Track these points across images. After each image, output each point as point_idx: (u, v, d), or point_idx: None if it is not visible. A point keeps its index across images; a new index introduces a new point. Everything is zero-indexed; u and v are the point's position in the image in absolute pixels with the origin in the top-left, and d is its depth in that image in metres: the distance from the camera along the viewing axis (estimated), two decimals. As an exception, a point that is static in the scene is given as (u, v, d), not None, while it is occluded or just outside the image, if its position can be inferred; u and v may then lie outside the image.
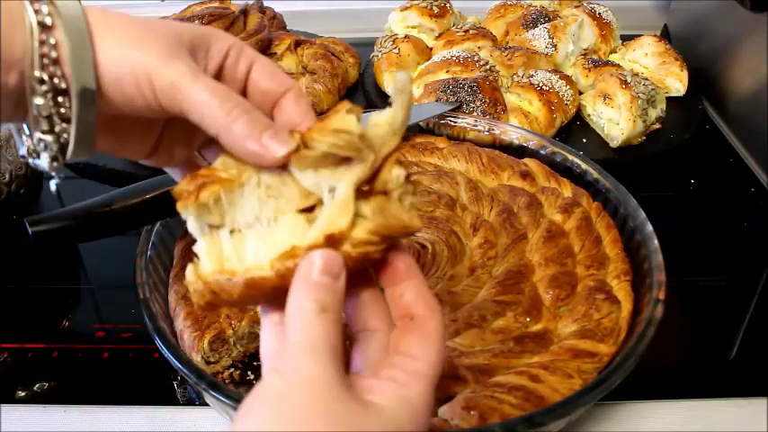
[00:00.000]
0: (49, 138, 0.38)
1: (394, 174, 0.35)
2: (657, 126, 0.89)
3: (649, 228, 0.59)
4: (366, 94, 0.97)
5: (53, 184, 0.42)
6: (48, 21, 0.36)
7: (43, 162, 0.39)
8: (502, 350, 0.51)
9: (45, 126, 0.38)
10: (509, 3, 1.07)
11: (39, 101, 0.36)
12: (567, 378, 0.48)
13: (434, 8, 1.04)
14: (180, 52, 0.38)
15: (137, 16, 0.40)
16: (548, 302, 0.56)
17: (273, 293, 0.35)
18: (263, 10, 1.04)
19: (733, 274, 0.70)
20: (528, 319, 0.54)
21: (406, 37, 1.00)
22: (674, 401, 0.56)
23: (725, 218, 0.78)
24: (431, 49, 1.02)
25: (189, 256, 0.60)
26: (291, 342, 0.32)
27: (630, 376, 0.47)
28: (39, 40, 0.36)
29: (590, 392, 0.46)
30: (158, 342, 0.50)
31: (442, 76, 0.89)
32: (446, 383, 0.48)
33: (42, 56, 0.36)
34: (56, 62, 0.36)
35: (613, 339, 0.52)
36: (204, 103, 0.37)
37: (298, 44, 0.99)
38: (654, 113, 0.88)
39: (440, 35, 1.03)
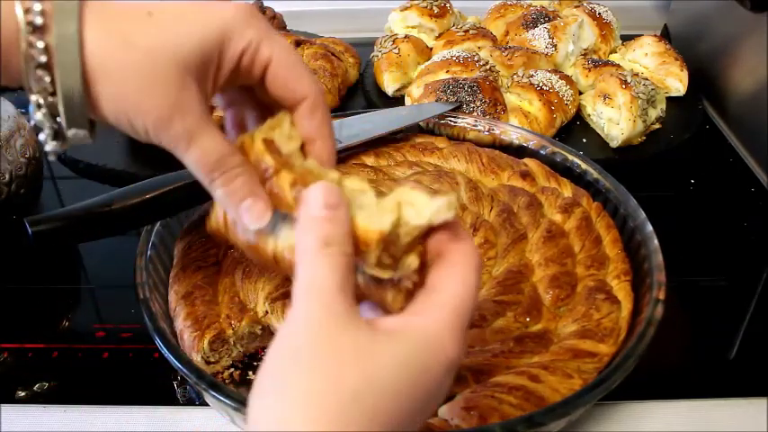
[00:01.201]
0: (40, 116, 0.36)
1: (408, 261, 0.35)
2: (657, 126, 0.89)
3: (649, 228, 0.59)
4: (366, 94, 0.97)
5: (51, 157, 0.40)
6: (38, 20, 0.34)
7: (47, 146, 0.38)
8: (502, 350, 0.51)
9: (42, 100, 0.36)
10: (509, 3, 1.07)
11: (39, 116, 0.36)
12: (567, 378, 0.48)
13: (434, 8, 1.04)
14: (181, 98, 0.36)
15: (147, 23, 0.36)
16: (548, 302, 0.56)
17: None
18: (263, 10, 1.05)
19: (733, 274, 0.70)
20: (528, 319, 0.54)
21: (406, 37, 1.00)
22: (674, 401, 0.56)
23: (725, 218, 0.78)
24: (431, 49, 1.02)
25: (189, 255, 0.60)
26: (297, 284, 0.32)
27: (630, 376, 0.47)
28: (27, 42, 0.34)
29: (590, 392, 0.46)
30: (158, 342, 0.50)
31: (442, 76, 0.89)
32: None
33: (37, 66, 0.34)
34: (47, 66, 0.35)
35: (613, 339, 0.52)
36: (194, 165, 0.38)
37: (298, 44, 0.99)
38: (654, 113, 0.88)
39: (440, 35, 1.03)
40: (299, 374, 0.29)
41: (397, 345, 0.30)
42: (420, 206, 0.34)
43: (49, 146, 0.38)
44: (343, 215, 0.33)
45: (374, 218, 0.34)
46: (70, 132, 0.37)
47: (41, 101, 0.35)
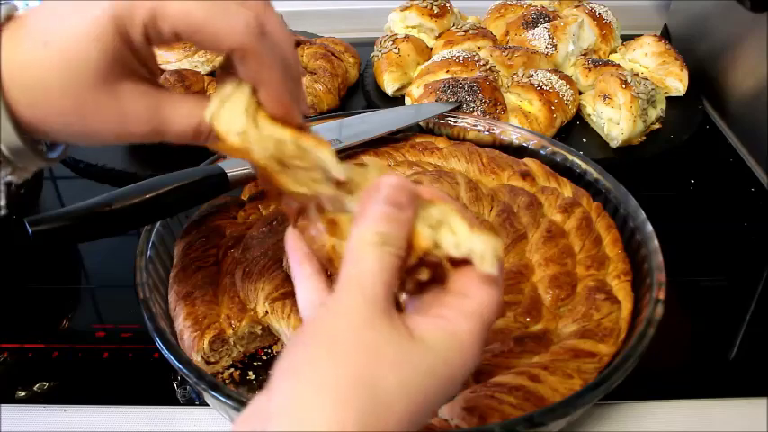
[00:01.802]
0: None
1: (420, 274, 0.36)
2: (657, 126, 0.89)
3: (649, 228, 0.59)
4: (366, 94, 0.97)
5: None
6: None
7: None
8: (502, 350, 0.51)
9: None
10: (509, 3, 1.07)
11: None
12: (567, 378, 0.48)
13: (434, 8, 1.04)
14: (115, 104, 0.36)
15: (50, 48, 0.34)
16: (548, 302, 0.56)
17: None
18: (263, 10, 1.04)
19: (733, 274, 0.70)
20: (528, 319, 0.54)
21: (406, 37, 1.00)
22: (674, 401, 0.56)
23: (725, 218, 0.78)
24: (431, 49, 1.02)
25: (189, 255, 0.60)
26: (343, 275, 0.31)
27: (630, 376, 0.47)
28: None
29: (590, 392, 0.46)
30: (158, 342, 0.50)
31: (442, 76, 0.89)
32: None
33: None
34: None
35: (613, 339, 0.52)
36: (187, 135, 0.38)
37: (298, 44, 0.99)
38: (654, 113, 0.88)
39: (440, 35, 1.03)
40: (335, 366, 0.29)
41: (431, 353, 0.31)
42: (460, 238, 0.34)
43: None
44: (409, 218, 0.33)
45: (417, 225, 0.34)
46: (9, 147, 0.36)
47: None
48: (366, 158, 0.38)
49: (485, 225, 0.62)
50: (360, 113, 0.79)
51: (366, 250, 0.32)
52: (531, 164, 0.72)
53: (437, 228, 0.34)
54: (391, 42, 0.98)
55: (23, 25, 0.35)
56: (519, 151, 0.75)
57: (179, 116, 0.38)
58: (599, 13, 1.02)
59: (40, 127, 0.36)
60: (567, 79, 0.91)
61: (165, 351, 0.49)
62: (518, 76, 0.89)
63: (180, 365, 0.48)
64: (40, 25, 0.35)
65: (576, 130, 0.90)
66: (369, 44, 1.04)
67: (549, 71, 0.90)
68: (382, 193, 0.33)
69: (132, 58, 0.36)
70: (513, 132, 0.76)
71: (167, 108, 0.38)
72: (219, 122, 0.37)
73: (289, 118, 0.38)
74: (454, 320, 0.32)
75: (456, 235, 0.34)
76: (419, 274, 0.35)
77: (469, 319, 0.33)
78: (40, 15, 0.35)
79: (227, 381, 0.56)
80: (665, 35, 1.11)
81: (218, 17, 0.34)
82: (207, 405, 0.55)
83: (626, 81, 0.85)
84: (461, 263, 0.34)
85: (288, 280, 0.57)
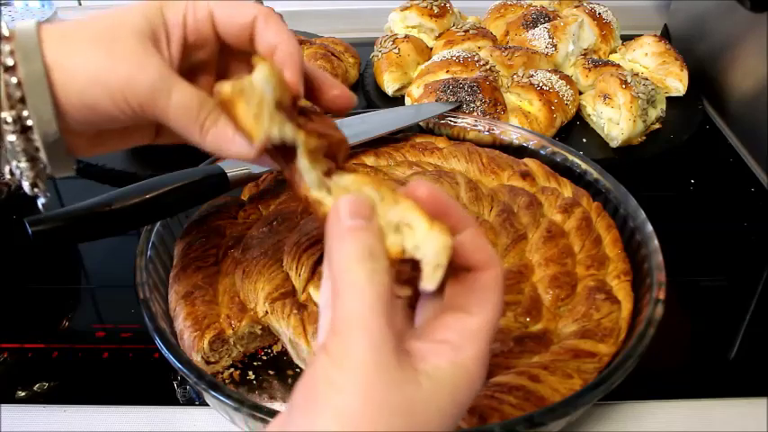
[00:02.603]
0: (24, 165, 0.39)
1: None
2: (657, 126, 0.89)
3: (649, 228, 0.59)
4: (366, 94, 0.97)
5: (40, 203, 0.43)
6: (9, 61, 0.36)
7: (25, 187, 0.40)
8: (502, 350, 0.51)
9: (21, 158, 0.39)
10: (509, 3, 1.07)
11: (11, 138, 0.38)
12: (567, 378, 0.48)
13: (434, 8, 1.04)
14: (145, 53, 0.38)
15: (97, 21, 0.39)
16: (548, 302, 0.56)
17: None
18: (263, 10, 1.05)
19: (733, 274, 0.70)
20: (528, 319, 0.54)
21: (406, 37, 1.00)
22: (674, 401, 0.56)
23: (725, 218, 0.78)
24: (431, 49, 1.02)
25: (189, 255, 0.60)
26: (340, 312, 0.30)
27: (630, 376, 0.47)
28: (3, 81, 0.36)
29: (590, 392, 0.46)
30: (158, 342, 0.50)
31: (442, 76, 0.89)
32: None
33: (8, 96, 0.36)
34: (22, 100, 0.37)
35: (613, 339, 0.52)
36: (181, 115, 0.39)
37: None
38: (654, 113, 0.88)
39: (440, 35, 1.03)
40: None
41: (438, 392, 0.30)
42: (418, 237, 0.32)
43: (28, 191, 0.41)
44: (378, 227, 0.32)
45: (388, 235, 0.33)
46: (45, 134, 0.38)
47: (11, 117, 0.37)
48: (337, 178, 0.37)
49: (484, 225, 0.62)
50: (360, 113, 0.79)
51: (353, 276, 0.30)
52: (531, 164, 0.72)
53: (400, 229, 0.33)
54: (391, 42, 0.98)
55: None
56: (519, 151, 0.75)
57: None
58: (599, 13, 1.02)
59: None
60: (567, 79, 0.91)
61: (165, 351, 0.49)
62: (518, 76, 0.89)
63: (180, 365, 0.48)
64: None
65: (576, 130, 0.90)
66: (369, 44, 1.04)
67: (549, 71, 0.90)
68: (343, 211, 0.32)
69: (163, 44, 0.40)
70: (513, 132, 0.76)
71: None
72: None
73: (298, 90, 0.40)
74: (460, 348, 0.32)
75: (415, 234, 0.33)
76: (400, 292, 0.34)
77: (474, 342, 0.32)
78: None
79: (227, 381, 0.56)
80: (665, 35, 1.11)
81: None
82: (207, 405, 0.55)
83: (626, 81, 0.85)
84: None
85: (288, 280, 0.57)
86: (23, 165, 0.39)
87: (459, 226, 0.34)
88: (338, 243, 0.31)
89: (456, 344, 0.32)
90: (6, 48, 0.36)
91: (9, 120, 0.37)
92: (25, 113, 0.37)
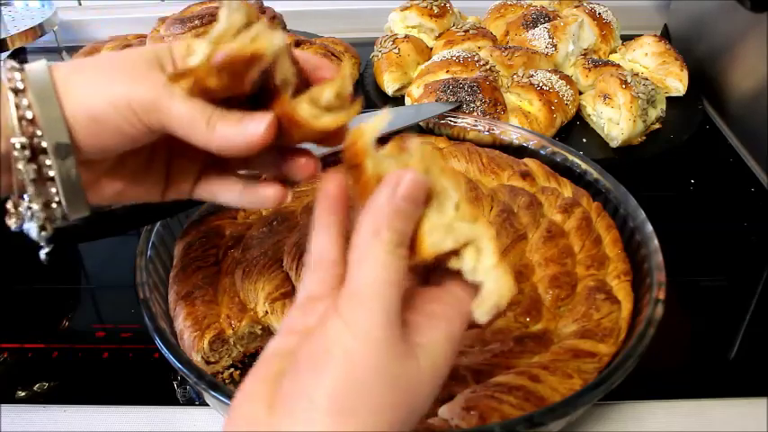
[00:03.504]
0: (35, 206, 0.40)
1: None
2: (657, 126, 0.89)
3: (649, 228, 0.59)
4: (366, 94, 0.97)
5: (42, 254, 0.43)
6: (20, 85, 0.38)
7: (32, 232, 0.41)
8: (502, 350, 0.51)
9: (31, 190, 0.39)
10: (509, 3, 1.07)
11: (21, 165, 0.38)
12: (567, 378, 0.48)
13: (434, 8, 1.04)
14: (150, 70, 0.39)
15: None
16: (548, 302, 0.56)
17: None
18: (263, 10, 1.05)
19: (733, 274, 0.70)
20: (528, 319, 0.54)
21: (406, 37, 1.00)
22: (674, 401, 0.56)
23: (725, 218, 0.78)
24: (431, 49, 1.02)
25: (189, 255, 0.60)
26: (360, 281, 0.31)
27: (630, 376, 0.47)
28: (15, 104, 0.37)
29: (590, 392, 0.46)
30: (158, 342, 0.50)
31: (442, 76, 0.89)
32: (446, 383, 0.48)
33: (20, 118, 0.37)
34: (32, 122, 0.38)
35: (613, 339, 0.52)
36: (186, 116, 0.39)
37: (298, 44, 0.99)
38: (654, 113, 0.88)
39: (440, 35, 1.03)
40: (357, 397, 0.30)
41: (432, 365, 0.32)
42: (481, 268, 0.34)
43: (35, 235, 0.42)
44: (418, 215, 0.33)
45: (438, 232, 0.33)
46: (63, 201, 0.40)
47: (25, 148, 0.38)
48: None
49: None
50: (360, 113, 0.79)
51: (381, 251, 0.31)
52: (531, 164, 0.72)
53: (463, 244, 0.34)
54: (391, 42, 0.98)
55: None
56: (519, 151, 0.75)
57: None
58: (599, 13, 1.02)
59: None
60: (567, 79, 0.91)
61: (165, 351, 0.49)
62: (518, 76, 0.89)
63: (180, 365, 0.48)
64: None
65: (576, 130, 0.90)
66: (369, 44, 1.04)
67: (549, 71, 0.90)
68: (402, 188, 0.32)
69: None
70: (513, 132, 0.76)
71: None
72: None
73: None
74: (452, 321, 0.34)
75: (480, 260, 0.34)
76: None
77: (462, 319, 0.34)
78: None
79: (227, 381, 0.56)
80: (665, 35, 1.11)
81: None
82: (207, 405, 0.55)
83: (626, 81, 0.85)
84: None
85: (288, 280, 0.57)
86: (35, 206, 0.40)
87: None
88: (383, 210, 0.32)
89: (449, 317, 0.33)
90: (18, 75, 0.38)
91: (18, 145, 0.37)
92: (39, 133, 0.38)
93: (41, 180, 0.39)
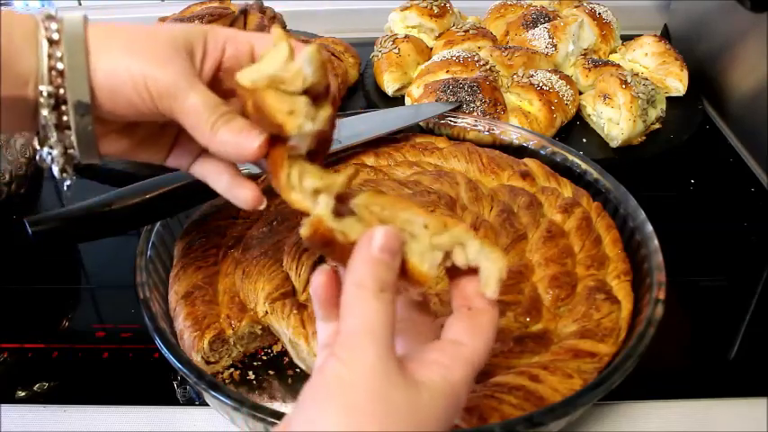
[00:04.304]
0: (55, 151, 0.42)
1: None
2: (657, 126, 0.89)
3: (649, 228, 0.59)
4: (366, 94, 0.97)
5: (65, 185, 0.45)
6: (55, 36, 0.39)
7: (55, 172, 0.43)
8: (502, 350, 0.51)
9: (52, 135, 0.41)
10: (509, 3, 1.07)
11: (45, 112, 0.40)
12: (567, 378, 0.48)
13: (434, 8, 1.04)
14: (176, 56, 0.41)
15: (138, 25, 0.42)
16: (548, 302, 0.56)
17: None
18: (263, 10, 1.04)
19: (733, 274, 0.70)
20: (528, 319, 0.54)
21: (406, 37, 1.00)
22: (674, 401, 0.56)
23: (725, 218, 0.78)
24: (431, 49, 1.02)
25: (189, 255, 0.60)
26: (351, 325, 0.32)
27: (630, 376, 0.47)
28: (47, 54, 0.39)
29: (590, 392, 0.46)
30: (158, 342, 0.50)
31: (442, 76, 0.89)
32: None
33: (51, 68, 0.39)
34: (62, 74, 0.39)
35: (613, 339, 0.52)
36: (196, 112, 0.40)
37: (298, 44, 0.98)
38: (654, 113, 0.88)
39: (440, 35, 1.03)
40: (355, 424, 0.30)
41: (436, 402, 0.33)
42: (470, 254, 0.36)
43: (57, 176, 0.43)
44: (398, 263, 0.35)
45: (426, 256, 0.36)
46: (77, 150, 0.41)
47: (50, 96, 0.39)
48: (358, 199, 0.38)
49: (484, 225, 0.62)
50: (360, 113, 0.79)
51: (369, 298, 0.33)
52: (531, 164, 0.72)
53: (450, 248, 0.36)
54: (391, 42, 0.98)
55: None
56: (519, 151, 0.75)
57: None
58: (599, 13, 1.02)
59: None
60: (567, 79, 0.91)
61: (165, 351, 0.49)
62: (518, 76, 0.89)
63: (180, 365, 0.48)
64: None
65: (576, 130, 0.90)
66: (369, 44, 1.04)
67: (549, 71, 0.90)
68: (377, 241, 0.34)
69: (197, 59, 0.43)
70: (513, 132, 0.76)
71: None
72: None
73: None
74: (449, 368, 0.34)
75: (468, 253, 0.36)
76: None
77: (462, 367, 0.34)
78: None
79: (227, 381, 0.56)
80: (665, 35, 1.11)
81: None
82: (207, 405, 0.55)
83: (626, 81, 0.85)
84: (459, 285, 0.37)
85: (288, 280, 0.57)
86: (55, 152, 0.41)
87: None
88: (362, 265, 0.34)
89: (447, 364, 0.34)
90: (54, 26, 0.39)
91: (45, 93, 0.39)
92: (65, 86, 0.39)
93: (61, 128, 0.41)
